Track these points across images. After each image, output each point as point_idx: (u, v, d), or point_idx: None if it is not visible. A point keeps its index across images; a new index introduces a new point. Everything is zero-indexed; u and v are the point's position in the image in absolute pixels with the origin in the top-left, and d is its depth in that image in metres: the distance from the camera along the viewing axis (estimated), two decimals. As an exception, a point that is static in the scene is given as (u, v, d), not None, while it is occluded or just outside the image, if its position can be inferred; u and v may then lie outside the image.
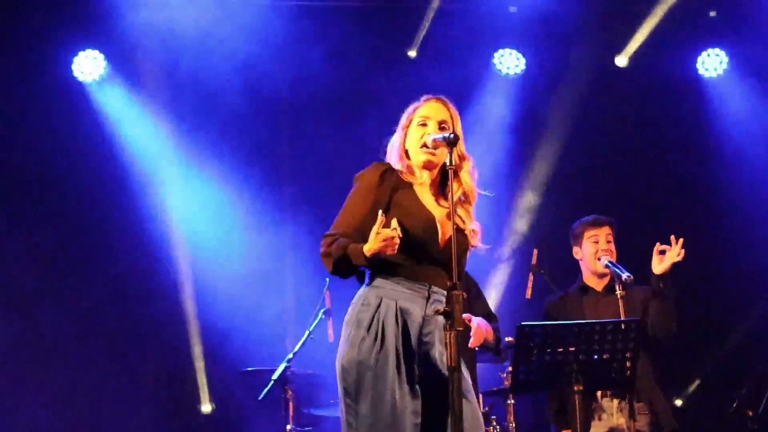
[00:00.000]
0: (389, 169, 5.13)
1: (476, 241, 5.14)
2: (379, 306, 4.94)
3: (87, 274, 9.71)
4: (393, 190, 5.06)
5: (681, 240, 6.79)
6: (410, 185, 5.12)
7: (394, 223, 4.78)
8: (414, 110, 5.24)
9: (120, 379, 9.54)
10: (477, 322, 6.09)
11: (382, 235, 4.67)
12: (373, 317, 4.92)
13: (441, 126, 5.14)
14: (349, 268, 4.90)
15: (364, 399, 4.86)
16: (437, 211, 5.08)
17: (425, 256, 5.00)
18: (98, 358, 9.50)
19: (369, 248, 4.70)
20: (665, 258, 6.81)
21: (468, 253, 5.14)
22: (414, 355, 4.91)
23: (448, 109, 5.22)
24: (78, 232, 9.79)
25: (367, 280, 5.05)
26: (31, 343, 9.49)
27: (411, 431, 4.81)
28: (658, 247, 6.85)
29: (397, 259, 4.93)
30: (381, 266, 4.96)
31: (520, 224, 9.88)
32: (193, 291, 9.83)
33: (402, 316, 4.92)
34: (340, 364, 4.93)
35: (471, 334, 5.98)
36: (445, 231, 5.00)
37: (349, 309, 5.01)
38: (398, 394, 4.81)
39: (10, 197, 9.73)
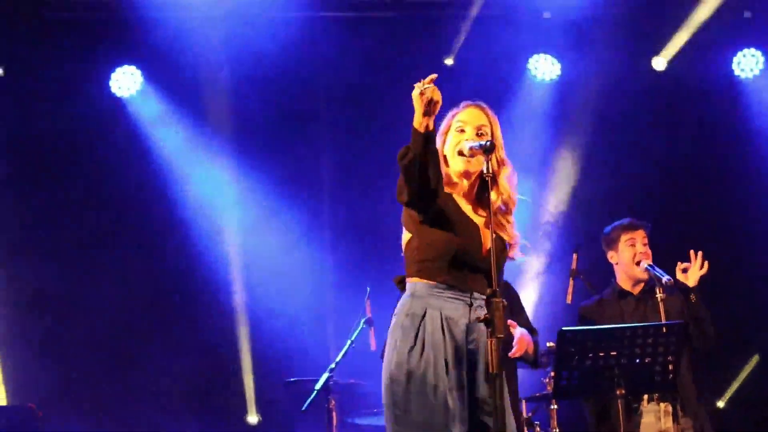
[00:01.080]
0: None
1: (515, 251, 5.12)
2: (424, 316, 4.92)
3: (135, 285, 9.85)
4: (444, 199, 5.02)
5: (700, 253, 6.80)
6: (450, 195, 5.11)
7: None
8: (453, 116, 5.21)
9: (171, 390, 9.66)
10: (520, 333, 6.07)
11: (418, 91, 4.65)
12: (419, 326, 4.90)
13: (479, 132, 5.10)
14: (418, 158, 4.70)
15: (415, 408, 4.83)
16: (476, 219, 5.07)
17: (468, 264, 4.97)
18: (150, 370, 9.65)
19: (417, 118, 4.67)
20: (690, 274, 6.82)
21: (505, 262, 5.12)
22: (462, 363, 4.90)
23: (487, 115, 5.18)
24: (120, 243, 9.95)
25: (408, 289, 5.02)
26: (90, 350, 9.68)
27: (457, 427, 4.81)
28: (679, 266, 6.86)
29: (440, 267, 4.94)
30: (423, 275, 4.97)
31: (557, 228, 9.88)
32: (243, 306, 9.92)
33: (448, 324, 4.92)
34: (388, 374, 4.90)
35: (514, 343, 5.95)
36: (486, 240, 4.99)
37: (393, 319, 4.99)
38: (450, 402, 4.81)
39: (58, 206, 9.89)
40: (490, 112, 5.19)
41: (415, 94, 4.65)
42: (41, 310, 9.70)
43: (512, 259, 5.13)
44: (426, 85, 4.65)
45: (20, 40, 9.70)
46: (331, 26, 9.72)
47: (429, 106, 4.64)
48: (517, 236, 5.13)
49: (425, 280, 4.99)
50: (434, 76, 4.67)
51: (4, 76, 9.86)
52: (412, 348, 4.87)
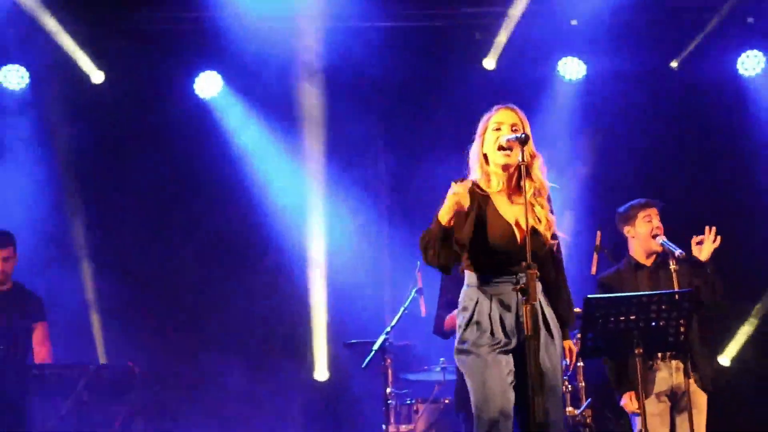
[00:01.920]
0: (468, 184, 5.16)
1: (552, 230, 5.19)
2: (477, 300, 5.14)
3: (221, 262, 10.00)
4: (477, 206, 5.15)
5: (713, 228, 6.79)
6: (488, 196, 5.21)
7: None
8: (488, 118, 5.30)
9: (256, 351, 9.81)
10: (569, 345, 6.17)
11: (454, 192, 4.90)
12: (474, 309, 5.13)
13: (513, 129, 5.20)
14: (433, 245, 5.01)
15: (472, 370, 5.10)
16: (513, 209, 5.19)
17: (508, 256, 5.11)
18: (233, 331, 9.82)
19: (443, 212, 4.90)
20: (704, 247, 6.80)
21: (547, 242, 5.17)
22: (513, 333, 5.09)
23: (518, 114, 5.27)
24: (208, 226, 10.05)
25: (466, 279, 5.23)
26: (178, 320, 9.88)
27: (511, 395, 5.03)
28: (695, 239, 6.84)
29: (485, 260, 5.15)
30: (473, 268, 5.18)
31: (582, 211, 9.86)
32: (316, 279, 10.01)
33: (497, 304, 5.11)
34: (455, 348, 5.19)
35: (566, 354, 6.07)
36: (521, 229, 5.10)
37: (458, 306, 5.23)
38: (500, 363, 5.04)
39: (151, 189, 10.01)
40: (520, 112, 5.31)
41: (450, 194, 4.89)
42: (136, 278, 9.80)
43: (554, 239, 5.21)
44: (461, 190, 4.89)
45: (117, 49, 9.73)
46: (388, 34, 9.72)
47: (457, 208, 4.89)
48: (552, 217, 5.22)
49: (476, 272, 5.20)
50: (469, 183, 4.99)
51: (104, 81, 9.92)
52: (466, 327, 5.12)
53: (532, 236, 4.91)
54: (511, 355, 5.08)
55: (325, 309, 9.98)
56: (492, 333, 5.06)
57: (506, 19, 9.68)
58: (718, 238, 6.81)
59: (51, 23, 9.35)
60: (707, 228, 6.82)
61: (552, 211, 5.27)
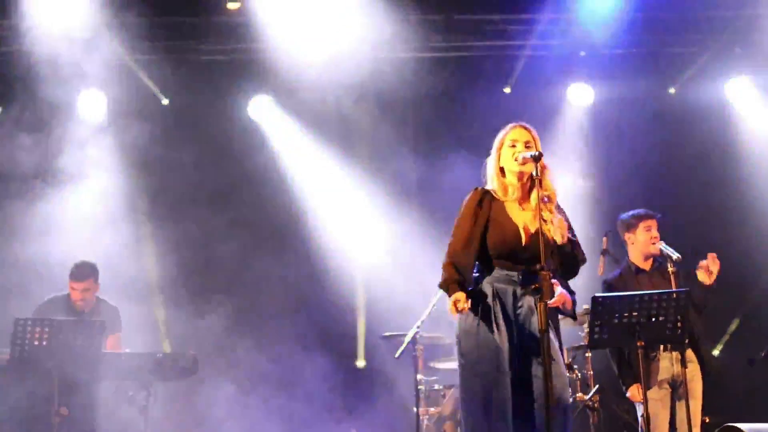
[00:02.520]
0: (486, 193, 5.38)
1: (562, 232, 5.27)
2: (481, 292, 5.28)
3: (274, 262, 9.97)
4: (490, 209, 5.33)
5: (714, 255, 6.87)
6: (502, 203, 5.36)
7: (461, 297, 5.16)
8: (504, 135, 5.42)
9: (303, 339, 9.78)
10: (561, 290, 6.28)
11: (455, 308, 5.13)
12: (477, 301, 5.25)
13: (527, 145, 5.32)
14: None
15: (469, 355, 5.24)
16: (523, 215, 5.32)
17: (513, 254, 5.27)
18: (284, 321, 9.84)
19: (450, 302, 5.15)
20: (712, 271, 6.86)
21: (556, 243, 5.25)
22: (510, 322, 5.21)
23: (530, 132, 5.40)
24: (261, 230, 10.08)
25: (477, 275, 5.36)
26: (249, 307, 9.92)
27: (505, 370, 5.14)
28: (701, 264, 6.89)
29: (493, 259, 5.30)
30: (483, 265, 5.34)
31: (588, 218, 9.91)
32: (360, 278, 10.14)
33: (498, 297, 5.24)
34: (455, 335, 5.34)
35: (555, 296, 6.17)
36: (528, 232, 5.26)
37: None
38: (497, 350, 5.15)
39: (214, 196, 10.03)
40: (532, 129, 5.43)
41: (450, 305, 5.15)
42: (198, 273, 9.87)
43: (563, 240, 5.27)
44: (461, 305, 5.09)
45: (179, 76, 9.82)
46: (418, 63, 9.74)
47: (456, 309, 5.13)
48: (562, 221, 5.31)
49: (485, 269, 5.35)
50: (467, 305, 5.14)
51: (168, 105, 10.07)
52: (467, 316, 5.23)
53: (538, 238, 5.03)
54: (513, 344, 5.18)
55: (364, 306, 10.06)
56: (494, 324, 5.18)
57: (523, 49, 9.78)
58: (718, 263, 6.88)
59: (124, 52, 9.44)
60: (710, 255, 6.88)
61: (567, 218, 5.38)
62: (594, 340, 6.24)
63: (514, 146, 5.35)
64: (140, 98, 9.95)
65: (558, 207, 5.38)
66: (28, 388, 7.35)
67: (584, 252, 5.45)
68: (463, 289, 5.17)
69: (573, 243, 5.38)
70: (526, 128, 5.41)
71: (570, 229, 5.40)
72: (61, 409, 7.03)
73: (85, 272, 7.92)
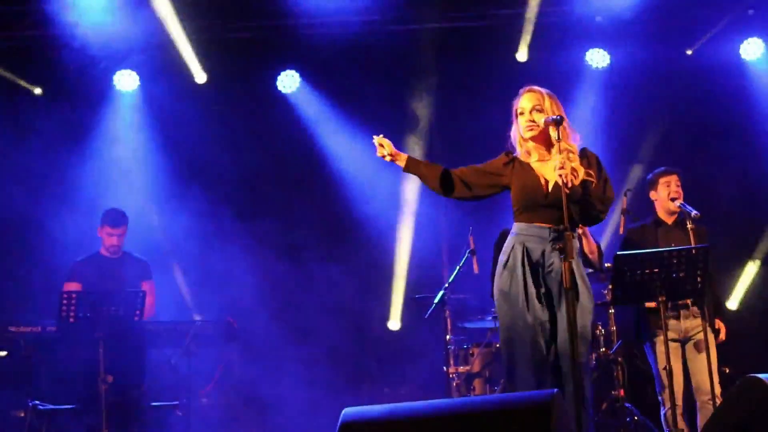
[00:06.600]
0: (513, 157, 5.38)
1: (580, 177, 5.16)
2: (512, 248, 5.26)
3: (318, 231, 10.09)
4: (513, 168, 5.32)
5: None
6: (528, 164, 5.35)
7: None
8: (515, 104, 5.38)
9: (336, 303, 9.81)
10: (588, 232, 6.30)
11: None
12: (508, 257, 5.26)
13: (536, 108, 5.25)
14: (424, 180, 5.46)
15: (504, 311, 5.24)
16: (546, 169, 5.27)
17: (536, 204, 5.24)
18: (323, 285, 9.82)
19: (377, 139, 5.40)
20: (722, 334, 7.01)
21: (581, 195, 5.17)
22: (540, 281, 5.21)
23: (538, 94, 5.29)
24: (296, 204, 10.14)
25: (512, 230, 5.35)
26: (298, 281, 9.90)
27: (538, 328, 5.14)
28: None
29: (520, 212, 5.29)
30: (515, 219, 5.32)
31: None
32: (396, 244, 10.08)
33: (528, 253, 5.21)
34: (493, 292, 5.35)
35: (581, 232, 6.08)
36: (549, 184, 5.22)
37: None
38: (528, 305, 5.15)
39: (237, 188, 10.10)
40: (541, 90, 5.32)
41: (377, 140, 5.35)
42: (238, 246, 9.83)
43: (588, 180, 5.19)
44: (378, 143, 5.27)
45: (215, 54, 9.88)
46: (434, 34, 9.71)
47: (385, 156, 5.27)
48: (582, 170, 5.21)
49: (516, 222, 5.33)
50: (380, 138, 5.35)
51: (205, 82, 10.02)
52: (501, 273, 5.24)
53: (559, 189, 5.00)
54: (541, 301, 5.18)
55: (401, 271, 10.02)
56: (524, 281, 5.17)
57: (540, 18, 9.66)
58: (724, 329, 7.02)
59: (165, 31, 9.43)
60: (720, 323, 7.01)
61: (598, 160, 5.30)
62: (617, 296, 6.27)
63: (522, 114, 5.31)
64: (176, 77, 9.94)
65: (584, 152, 5.30)
66: (76, 358, 7.44)
67: (613, 189, 5.35)
68: (430, 172, 5.38)
69: (604, 182, 5.29)
70: (533, 91, 5.32)
71: (600, 168, 5.30)
72: (107, 376, 7.10)
73: (121, 218, 8.02)
